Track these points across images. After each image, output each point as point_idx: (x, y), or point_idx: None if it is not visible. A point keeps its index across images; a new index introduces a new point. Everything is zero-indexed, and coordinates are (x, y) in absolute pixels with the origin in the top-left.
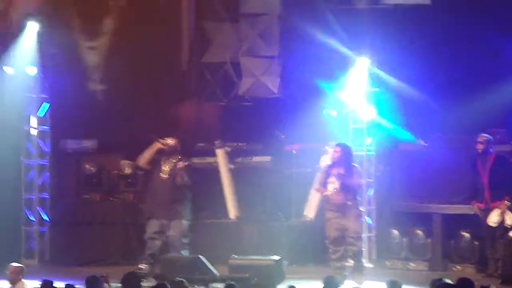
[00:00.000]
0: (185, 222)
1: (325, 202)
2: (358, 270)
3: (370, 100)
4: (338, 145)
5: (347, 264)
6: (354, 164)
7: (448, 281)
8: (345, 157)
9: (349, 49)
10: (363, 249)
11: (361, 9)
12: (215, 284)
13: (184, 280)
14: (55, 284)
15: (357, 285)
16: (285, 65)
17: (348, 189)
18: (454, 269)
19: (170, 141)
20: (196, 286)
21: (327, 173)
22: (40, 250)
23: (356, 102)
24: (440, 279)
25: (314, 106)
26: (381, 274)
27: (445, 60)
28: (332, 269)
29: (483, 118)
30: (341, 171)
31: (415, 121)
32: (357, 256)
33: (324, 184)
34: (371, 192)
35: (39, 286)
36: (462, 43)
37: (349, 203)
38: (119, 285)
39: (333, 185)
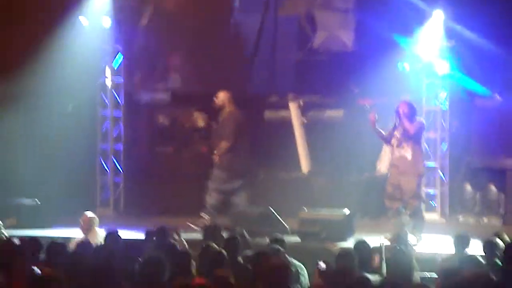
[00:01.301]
0: None
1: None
2: (416, 227)
3: (445, 54)
4: (402, 102)
5: (405, 219)
6: (418, 118)
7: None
8: (408, 113)
9: (424, 2)
10: (432, 204)
11: None
12: (285, 237)
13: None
14: (125, 233)
15: (414, 242)
16: (360, 19)
17: (408, 143)
18: None
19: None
20: (266, 238)
21: (393, 129)
22: (114, 199)
23: (430, 56)
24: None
25: (389, 61)
26: (453, 229)
27: None
28: (391, 224)
29: None
30: (405, 122)
31: (490, 76)
32: (414, 214)
33: (388, 138)
34: (445, 147)
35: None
36: None
37: (409, 157)
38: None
39: (396, 138)
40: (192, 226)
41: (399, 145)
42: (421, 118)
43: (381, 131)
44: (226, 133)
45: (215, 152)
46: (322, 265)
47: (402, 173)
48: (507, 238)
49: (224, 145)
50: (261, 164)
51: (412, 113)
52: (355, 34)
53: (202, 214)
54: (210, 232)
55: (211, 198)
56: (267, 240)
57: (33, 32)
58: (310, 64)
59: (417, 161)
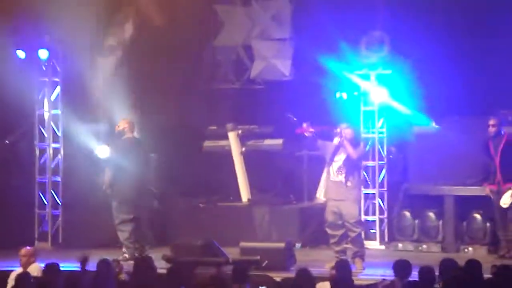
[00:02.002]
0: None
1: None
2: (358, 255)
3: (382, 82)
4: (344, 124)
5: (347, 246)
6: (361, 143)
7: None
8: (352, 138)
9: (361, 29)
10: (372, 231)
11: None
12: (226, 267)
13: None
14: (66, 266)
15: (358, 270)
16: (297, 48)
17: (349, 169)
18: (466, 250)
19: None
20: (207, 268)
21: (335, 152)
22: (53, 233)
23: (367, 84)
24: (450, 260)
25: (326, 89)
26: (392, 256)
27: (459, 40)
28: (333, 252)
29: (494, 100)
30: (348, 147)
31: (428, 103)
32: (355, 242)
33: (329, 169)
34: (383, 174)
35: (44, 269)
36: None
37: (348, 183)
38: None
39: (337, 163)
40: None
41: (338, 171)
42: (363, 145)
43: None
44: (117, 160)
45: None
46: None
47: (342, 200)
48: None
49: (108, 172)
50: (200, 193)
51: (356, 138)
52: (293, 63)
53: (123, 251)
54: (141, 264)
55: (122, 234)
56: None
57: None
58: (248, 94)
59: (356, 187)
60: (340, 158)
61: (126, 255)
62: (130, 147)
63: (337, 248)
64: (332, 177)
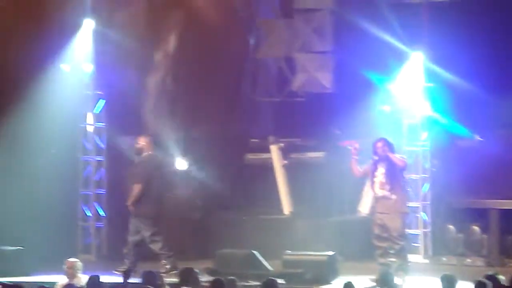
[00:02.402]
0: None
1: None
2: (401, 268)
3: (425, 95)
4: (380, 140)
5: (392, 259)
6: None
7: (501, 277)
8: (390, 149)
9: (404, 43)
10: (415, 244)
11: (416, 3)
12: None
13: (235, 278)
14: (107, 279)
15: (401, 283)
16: (339, 61)
17: (392, 182)
18: (511, 265)
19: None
20: (249, 281)
21: (374, 168)
22: (96, 245)
23: (410, 98)
24: (493, 275)
25: (368, 102)
26: (436, 270)
27: (501, 55)
28: (377, 264)
29: None
30: (384, 165)
31: (471, 117)
32: (399, 254)
33: (365, 172)
34: (426, 187)
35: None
36: None
37: (393, 197)
38: (176, 280)
39: (378, 179)
40: (116, 272)
41: (381, 185)
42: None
43: (361, 169)
44: (139, 177)
45: (129, 199)
46: None
47: (387, 213)
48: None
49: (136, 188)
50: (243, 206)
51: (392, 149)
52: (334, 75)
53: (163, 262)
54: (186, 276)
55: (156, 244)
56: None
57: (17, 78)
58: (290, 106)
59: (400, 200)
60: (380, 173)
61: (168, 266)
62: (150, 163)
63: (382, 260)
64: (376, 193)
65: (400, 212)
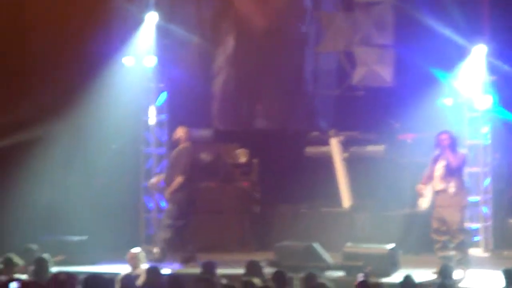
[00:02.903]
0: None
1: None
2: (461, 262)
3: (487, 89)
4: (444, 132)
5: (452, 253)
6: (460, 150)
7: None
8: (450, 144)
9: (465, 36)
10: (476, 238)
11: None
12: (329, 272)
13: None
14: (167, 269)
15: (461, 277)
16: (399, 54)
17: (451, 176)
18: None
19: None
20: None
21: (434, 162)
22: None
23: (472, 91)
24: None
25: (429, 95)
26: (497, 264)
27: None
28: (437, 258)
29: None
30: (445, 158)
31: None
32: (459, 248)
33: (430, 176)
34: (487, 181)
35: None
36: None
37: (451, 190)
38: (240, 271)
39: (438, 172)
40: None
41: (441, 179)
42: (463, 150)
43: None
44: (180, 168)
45: (168, 187)
46: (360, 275)
47: (445, 207)
48: None
49: (178, 180)
50: (303, 199)
51: (454, 144)
52: (395, 69)
53: (155, 249)
54: (251, 268)
55: (165, 233)
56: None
57: (80, 73)
58: (350, 100)
59: (459, 193)
60: (441, 166)
61: (156, 255)
62: (188, 155)
63: (441, 254)
64: (436, 186)
65: (459, 206)
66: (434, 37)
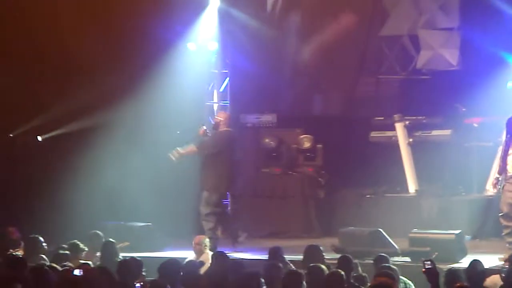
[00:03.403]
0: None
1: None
2: None
3: None
4: None
5: None
6: None
7: None
8: None
9: None
10: None
11: None
12: (395, 258)
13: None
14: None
15: None
16: (465, 37)
17: None
18: None
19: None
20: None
21: (507, 145)
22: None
23: None
24: None
25: (496, 79)
26: None
27: None
28: (506, 244)
29: None
30: None
31: None
32: None
33: (503, 158)
34: None
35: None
36: None
37: None
38: (300, 256)
39: (511, 157)
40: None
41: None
42: None
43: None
44: (203, 144)
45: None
46: (427, 263)
47: None
48: None
49: (191, 149)
50: (368, 184)
51: None
52: (461, 52)
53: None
54: (311, 253)
55: (207, 223)
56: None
57: (143, 58)
58: (415, 84)
59: None
60: None
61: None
62: (227, 139)
63: (510, 239)
64: (509, 171)
65: None
66: (501, 18)
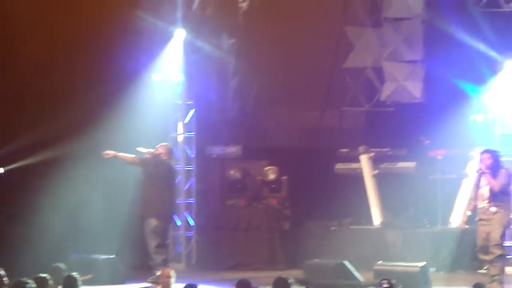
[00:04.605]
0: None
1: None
2: (496, 279)
3: None
4: (486, 151)
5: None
6: (502, 168)
7: None
8: (494, 164)
9: (497, 52)
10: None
11: (509, 12)
12: None
13: None
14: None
15: None
16: (429, 70)
17: (494, 195)
18: None
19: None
20: None
21: (478, 179)
22: (186, 254)
23: (504, 107)
24: None
25: (459, 111)
26: None
27: None
28: (486, 277)
29: None
30: (489, 177)
31: None
32: (494, 265)
33: (476, 196)
34: None
35: None
36: None
37: (493, 209)
38: None
39: (481, 190)
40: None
41: (483, 197)
42: (505, 169)
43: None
44: (150, 160)
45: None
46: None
47: (489, 225)
48: None
49: (128, 157)
50: (332, 216)
51: (495, 165)
52: (424, 85)
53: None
54: (279, 285)
55: (159, 256)
56: None
57: (107, 89)
58: (379, 116)
59: (502, 212)
60: (484, 184)
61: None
62: (170, 167)
63: (494, 272)
64: (479, 203)
65: (501, 224)
66: (465, 52)
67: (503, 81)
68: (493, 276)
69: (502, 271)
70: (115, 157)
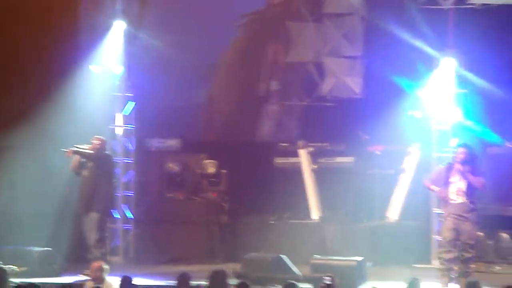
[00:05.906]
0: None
1: (442, 201)
2: (464, 275)
3: (456, 101)
4: (461, 145)
5: (455, 268)
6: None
7: None
8: (470, 158)
9: (434, 49)
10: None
11: (447, 9)
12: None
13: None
14: (138, 281)
15: None
16: (368, 66)
17: (471, 191)
18: None
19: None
20: (276, 285)
21: (448, 172)
22: (124, 247)
23: (441, 103)
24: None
25: (397, 107)
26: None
27: None
28: (440, 269)
29: None
30: (465, 172)
31: (502, 123)
32: (467, 262)
33: (444, 183)
34: None
35: (119, 283)
36: None
37: (471, 205)
38: (204, 282)
39: (455, 185)
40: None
41: (458, 192)
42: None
43: (435, 188)
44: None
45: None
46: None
47: (466, 222)
48: None
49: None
50: (271, 210)
51: (472, 159)
52: (364, 80)
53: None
54: (216, 278)
55: (99, 250)
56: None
57: (46, 80)
58: (319, 111)
59: (475, 211)
60: (456, 180)
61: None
62: (108, 162)
63: (447, 266)
64: (452, 199)
65: (476, 223)
66: (403, 48)
67: (440, 78)
68: (465, 272)
69: (469, 267)
70: (77, 154)
